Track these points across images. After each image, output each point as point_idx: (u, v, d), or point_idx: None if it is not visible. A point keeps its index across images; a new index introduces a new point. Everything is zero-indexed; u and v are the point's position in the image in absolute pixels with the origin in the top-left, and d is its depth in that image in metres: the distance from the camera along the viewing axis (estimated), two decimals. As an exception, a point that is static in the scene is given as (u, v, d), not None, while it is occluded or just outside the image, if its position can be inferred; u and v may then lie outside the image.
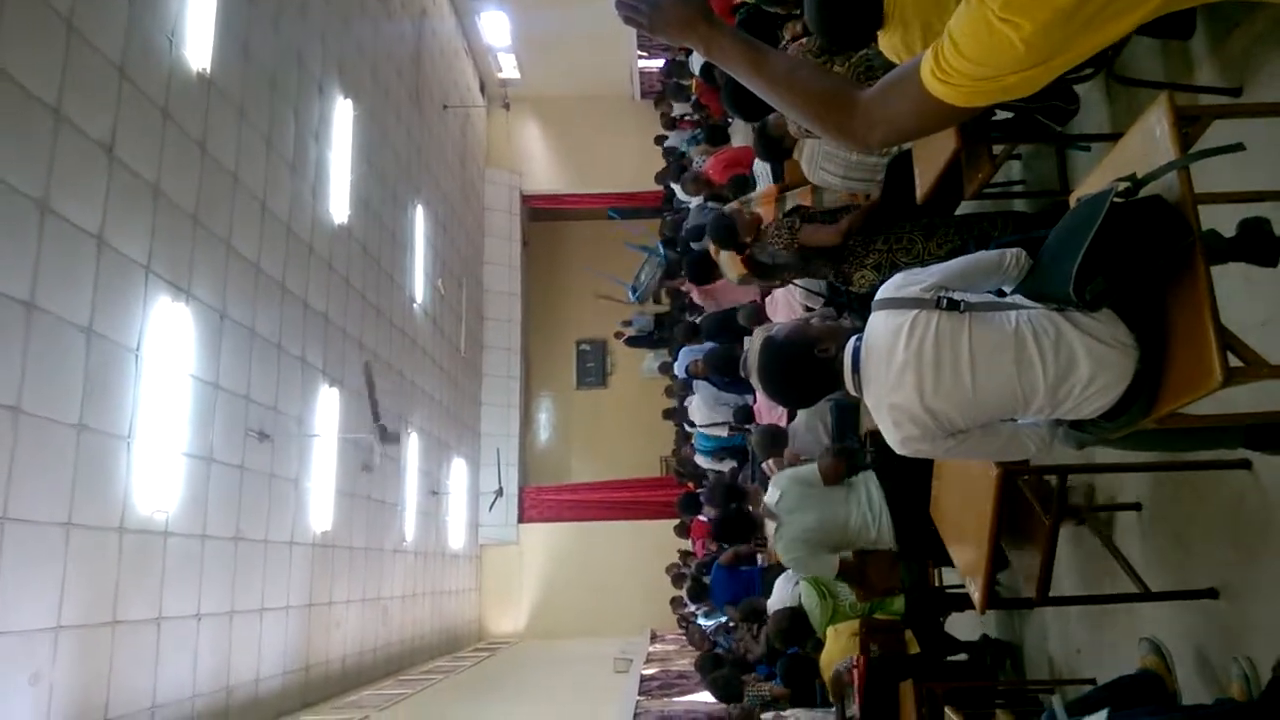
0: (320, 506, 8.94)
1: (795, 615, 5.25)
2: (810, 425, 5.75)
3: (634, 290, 12.02)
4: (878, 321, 2.38)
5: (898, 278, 2.44)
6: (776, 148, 5.06)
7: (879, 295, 2.43)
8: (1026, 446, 2.45)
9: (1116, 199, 2.16)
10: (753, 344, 5.70)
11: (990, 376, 2.24)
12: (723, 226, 4.61)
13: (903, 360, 2.28)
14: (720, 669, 7.27)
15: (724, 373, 7.08)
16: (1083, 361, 2.19)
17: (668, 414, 12.78)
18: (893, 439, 2.41)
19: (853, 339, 2.46)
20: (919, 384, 2.27)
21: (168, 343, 6.23)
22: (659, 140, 13.69)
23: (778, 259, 4.35)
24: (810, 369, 2.52)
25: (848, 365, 2.41)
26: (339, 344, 9.56)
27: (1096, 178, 2.48)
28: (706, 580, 9.79)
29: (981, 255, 2.47)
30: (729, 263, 5.84)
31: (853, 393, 2.45)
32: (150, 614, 6.14)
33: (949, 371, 2.25)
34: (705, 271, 6.54)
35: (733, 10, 7.90)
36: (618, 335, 18.07)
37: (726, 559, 9.07)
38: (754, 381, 5.58)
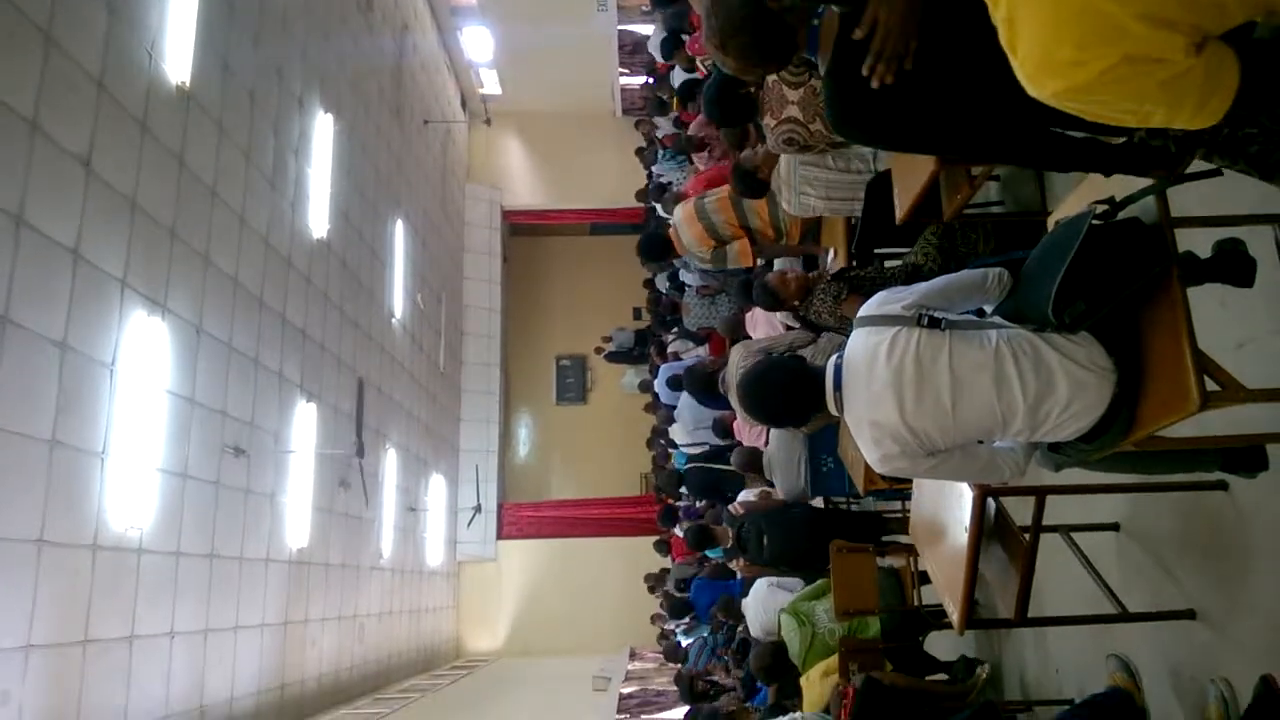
0: (296, 523, 8.87)
1: (777, 651, 5.22)
2: (787, 460, 5.74)
3: None
4: (859, 339, 2.40)
5: (879, 295, 2.46)
6: (753, 181, 5.04)
7: (860, 313, 2.46)
8: (1003, 471, 2.46)
9: (1095, 221, 2.17)
10: (731, 358, 5.70)
11: (970, 395, 2.26)
12: (767, 293, 4.59)
13: (884, 378, 2.31)
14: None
15: (703, 391, 7.09)
16: (1061, 384, 2.20)
17: (651, 440, 12.73)
18: (872, 457, 2.44)
19: (834, 357, 2.48)
20: (899, 401, 2.29)
21: (143, 357, 6.17)
22: (639, 152, 13.67)
23: (819, 321, 4.35)
24: (793, 384, 2.56)
25: (829, 383, 2.44)
26: (317, 359, 9.50)
27: (1075, 200, 2.49)
28: (685, 595, 9.81)
29: (964, 274, 2.49)
30: (695, 241, 5.84)
31: (833, 411, 2.47)
32: (123, 632, 6.06)
33: (929, 389, 2.28)
34: (661, 249, 6.56)
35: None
36: (598, 350, 18.06)
37: (708, 573, 9.09)
38: (733, 398, 5.59)
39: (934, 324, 2.30)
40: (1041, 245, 2.40)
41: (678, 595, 10.16)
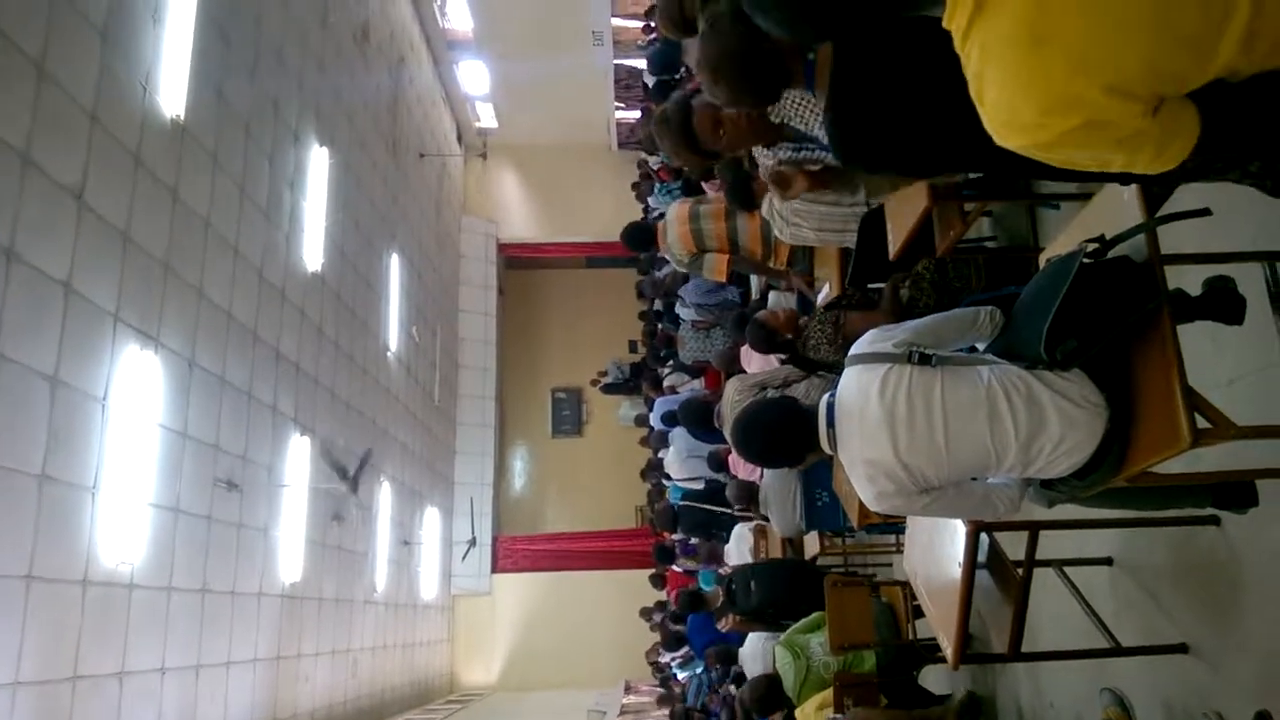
0: (289, 557, 8.81)
1: (771, 683, 5.19)
2: (782, 495, 5.75)
3: None
4: (851, 377, 2.40)
5: (870, 334, 2.46)
6: (747, 192, 5.04)
7: (852, 351, 2.46)
8: (997, 507, 2.45)
9: (1085, 259, 2.18)
10: (726, 392, 5.69)
11: (963, 432, 2.25)
12: (761, 333, 4.58)
13: (877, 416, 2.30)
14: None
15: (698, 424, 7.11)
16: (1053, 420, 2.19)
17: (645, 473, 12.70)
18: (867, 495, 2.42)
19: (826, 395, 2.47)
20: (893, 439, 2.28)
21: (135, 392, 6.15)
22: (635, 186, 13.72)
23: (818, 356, 4.31)
24: (786, 423, 2.56)
25: (823, 421, 2.43)
26: (311, 392, 9.48)
27: (1067, 238, 2.50)
28: (681, 629, 9.79)
29: (955, 312, 2.50)
30: (678, 240, 5.86)
31: (827, 450, 2.47)
32: (113, 669, 6.00)
33: (923, 426, 2.26)
34: (645, 238, 6.60)
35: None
36: (593, 383, 18.05)
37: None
38: (728, 432, 5.59)
39: (925, 360, 2.29)
40: (1033, 283, 2.40)
41: (673, 628, 10.11)
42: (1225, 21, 1.31)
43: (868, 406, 2.32)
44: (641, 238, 6.61)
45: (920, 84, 1.97)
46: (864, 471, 2.38)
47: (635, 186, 13.66)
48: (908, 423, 2.27)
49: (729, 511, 7.36)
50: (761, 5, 1.49)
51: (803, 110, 2.66)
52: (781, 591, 5.88)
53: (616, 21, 15.06)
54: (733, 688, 7.28)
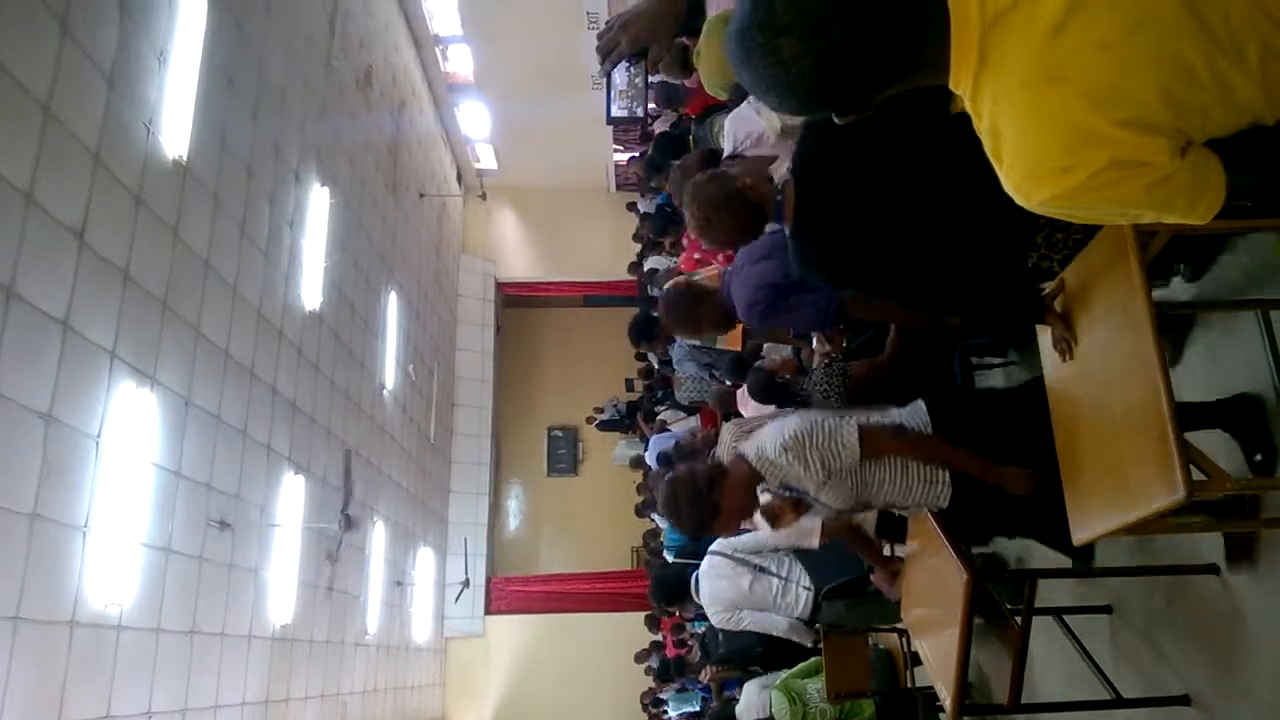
0: (281, 598, 8.74)
1: None
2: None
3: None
4: (715, 562, 4.86)
5: (719, 546, 4.91)
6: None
7: (713, 549, 4.92)
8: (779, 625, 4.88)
9: None
10: (723, 437, 5.69)
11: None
12: (763, 385, 4.64)
13: (724, 583, 4.77)
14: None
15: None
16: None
17: (640, 510, 12.66)
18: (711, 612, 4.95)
19: (695, 572, 4.96)
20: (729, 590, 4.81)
21: (130, 430, 6.12)
22: (630, 206, 13.94)
23: (824, 401, 4.34)
24: (675, 583, 5.18)
25: (693, 585, 4.90)
26: (306, 431, 9.45)
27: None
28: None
29: (760, 538, 4.64)
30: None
31: (696, 600, 4.97)
32: (99, 713, 5.92)
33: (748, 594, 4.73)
34: (648, 331, 6.66)
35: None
36: (589, 420, 18.02)
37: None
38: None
39: (762, 571, 4.77)
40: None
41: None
42: (1240, 52, 1.27)
43: (720, 576, 4.81)
44: (648, 328, 6.68)
45: (891, 198, 2.38)
46: (708, 601, 4.85)
47: (631, 205, 13.85)
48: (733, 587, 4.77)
49: None
50: (777, 89, 1.49)
51: (797, 472, 3.20)
52: (748, 643, 6.04)
53: (615, 65, 15.16)
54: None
